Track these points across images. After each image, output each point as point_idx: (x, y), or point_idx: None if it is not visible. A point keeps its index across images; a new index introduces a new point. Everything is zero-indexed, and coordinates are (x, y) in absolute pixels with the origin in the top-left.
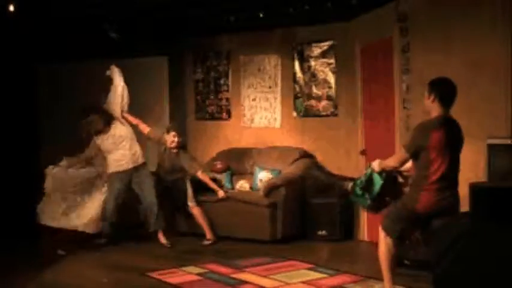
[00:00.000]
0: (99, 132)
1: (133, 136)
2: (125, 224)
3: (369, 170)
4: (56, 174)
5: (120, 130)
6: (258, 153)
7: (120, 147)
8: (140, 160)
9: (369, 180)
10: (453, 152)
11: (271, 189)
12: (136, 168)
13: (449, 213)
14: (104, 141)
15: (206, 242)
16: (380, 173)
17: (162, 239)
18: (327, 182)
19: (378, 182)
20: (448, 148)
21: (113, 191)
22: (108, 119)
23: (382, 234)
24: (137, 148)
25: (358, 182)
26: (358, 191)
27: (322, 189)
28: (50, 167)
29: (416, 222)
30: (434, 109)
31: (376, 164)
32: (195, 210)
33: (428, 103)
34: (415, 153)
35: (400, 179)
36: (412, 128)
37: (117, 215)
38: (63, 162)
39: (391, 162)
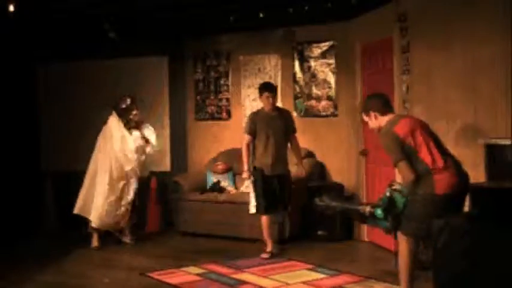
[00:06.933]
0: (135, 123)
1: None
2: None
3: (388, 191)
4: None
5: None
6: None
7: (137, 156)
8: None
9: (391, 201)
10: (428, 134)
11: None
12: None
13: (465, 191)
14: (135, 138)
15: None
16: (400, 192)
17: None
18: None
19: (400, 200)
20: (421, 131)
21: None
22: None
23: (402, 238)
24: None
25: (381, 203)
26: (380, 214)
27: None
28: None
29: (444, 208)
30: (382, 121)
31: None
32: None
33: (373, 123)
34: (405, 155)
35: None
36: None
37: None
38: None
39: (406, 181)
